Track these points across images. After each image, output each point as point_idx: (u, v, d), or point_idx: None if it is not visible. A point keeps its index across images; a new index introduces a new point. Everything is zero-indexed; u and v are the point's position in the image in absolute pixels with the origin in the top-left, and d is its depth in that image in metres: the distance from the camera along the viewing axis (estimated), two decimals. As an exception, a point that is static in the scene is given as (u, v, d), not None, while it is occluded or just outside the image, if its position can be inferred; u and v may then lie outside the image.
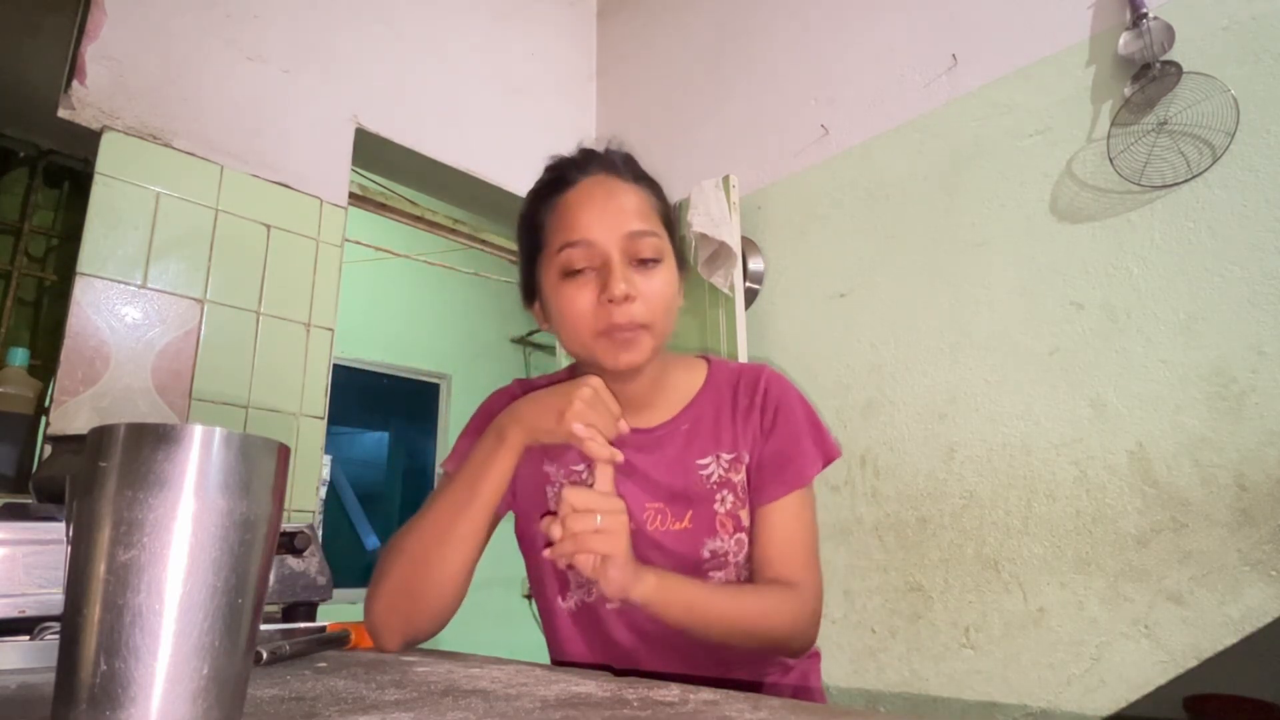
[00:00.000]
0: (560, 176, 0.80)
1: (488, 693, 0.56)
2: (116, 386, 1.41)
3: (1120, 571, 1.27)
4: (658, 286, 0.74)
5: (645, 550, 0.75)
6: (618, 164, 0.80)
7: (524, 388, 0.85)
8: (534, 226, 0.80)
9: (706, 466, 0.78)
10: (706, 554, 0.76)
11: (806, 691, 0.83)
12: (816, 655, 0.87)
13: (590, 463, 0.74)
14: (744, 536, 0.78)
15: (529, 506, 0.82)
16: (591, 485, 0.71)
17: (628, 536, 0.67)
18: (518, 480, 0.80)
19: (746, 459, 0.79)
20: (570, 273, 0.74)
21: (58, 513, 0.95)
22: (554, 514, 0.69)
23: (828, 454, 0.80)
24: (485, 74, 2.30)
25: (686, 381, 0.83)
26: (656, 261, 0.75)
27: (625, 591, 0.66)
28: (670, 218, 0.81)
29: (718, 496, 0.77)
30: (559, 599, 0.81)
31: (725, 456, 0.79)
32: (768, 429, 0.80)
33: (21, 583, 0.83)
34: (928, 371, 1.59)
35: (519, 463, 0.76)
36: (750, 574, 0.79)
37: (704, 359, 0.87)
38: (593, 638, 0.79)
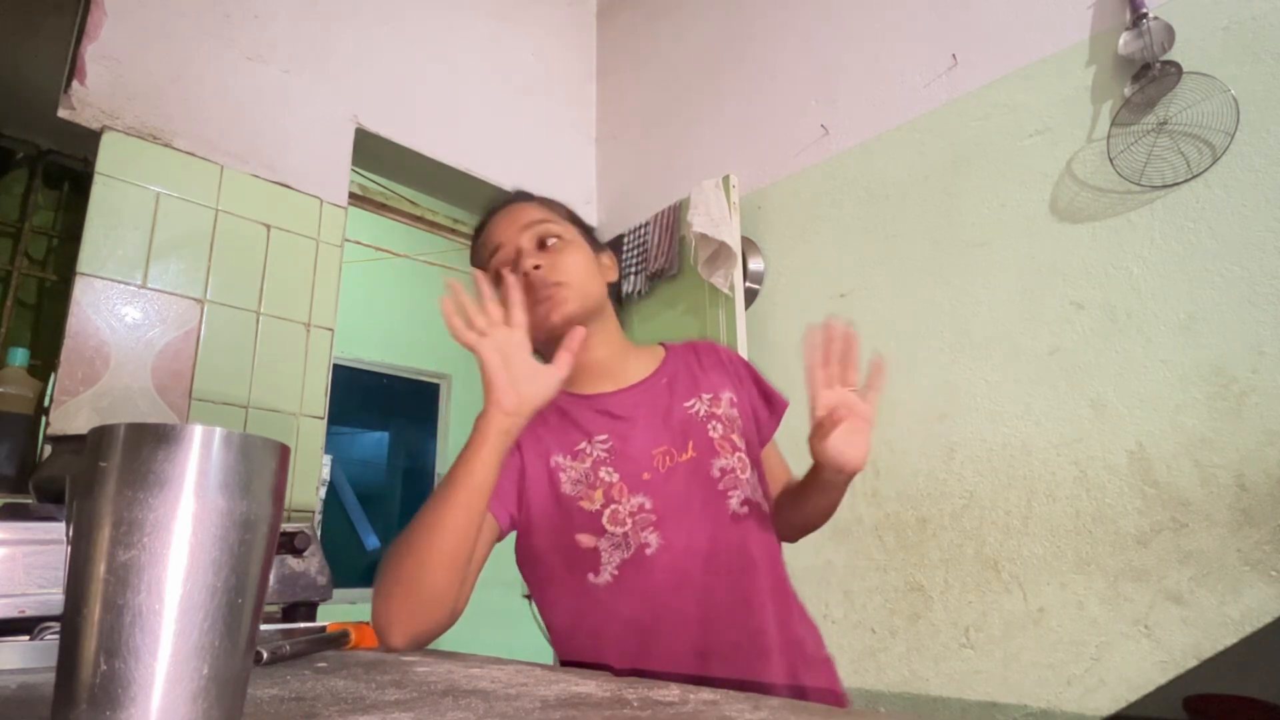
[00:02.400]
0: (482, 222, 0.96)
1: (488, 693, 0.56)
2: (116, 386, 1.41)
3: (1120, 571, 1.27)
4: (563, 259, 0.87)
5: (667, 487, 0.83)
6: (516, 197, 0.97)
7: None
8: (477, 265, 0.94)
9: (692, 406, 0.89)
10: (716, 473, 0.85)
11: (835, 696, 0.87)
12: (832, 661, 0.91)
13: (590, 433, 0.85)
14: (744, 456, 0.87)
15: (542, 508, 0.85)
16: (593, 456, 0.83)
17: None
18: (528, 486, 0.85)
19: (727, 396, 0.91)
20: (500, 277, 0.86)
21: (58, 513, 0.95)
22: (574, 499, 0.81)
23: (783, 397, 0.98)
24: (485, 74, 2.31)
25: (650, 355, 0.96)
26: (559, 239, 0.89)
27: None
28: (574, 217, 0.97)
29: (709, 425, 0.88)
30: (591, 576, 0.83)
31: (705, 396, 0.90)
32: (738, 379, 0.95)
33: (21, 583, 0.83)
34: (928, 371, 1.59)
35: (527, 469, 0.84)
36: (771, 501, 0.92)
37: (660, 345, 0.99)
38: (637, 594, 0.81)
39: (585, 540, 0.82)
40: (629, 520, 0.81)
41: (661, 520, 0.81)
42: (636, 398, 0.89)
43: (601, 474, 0.83)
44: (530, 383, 0.75)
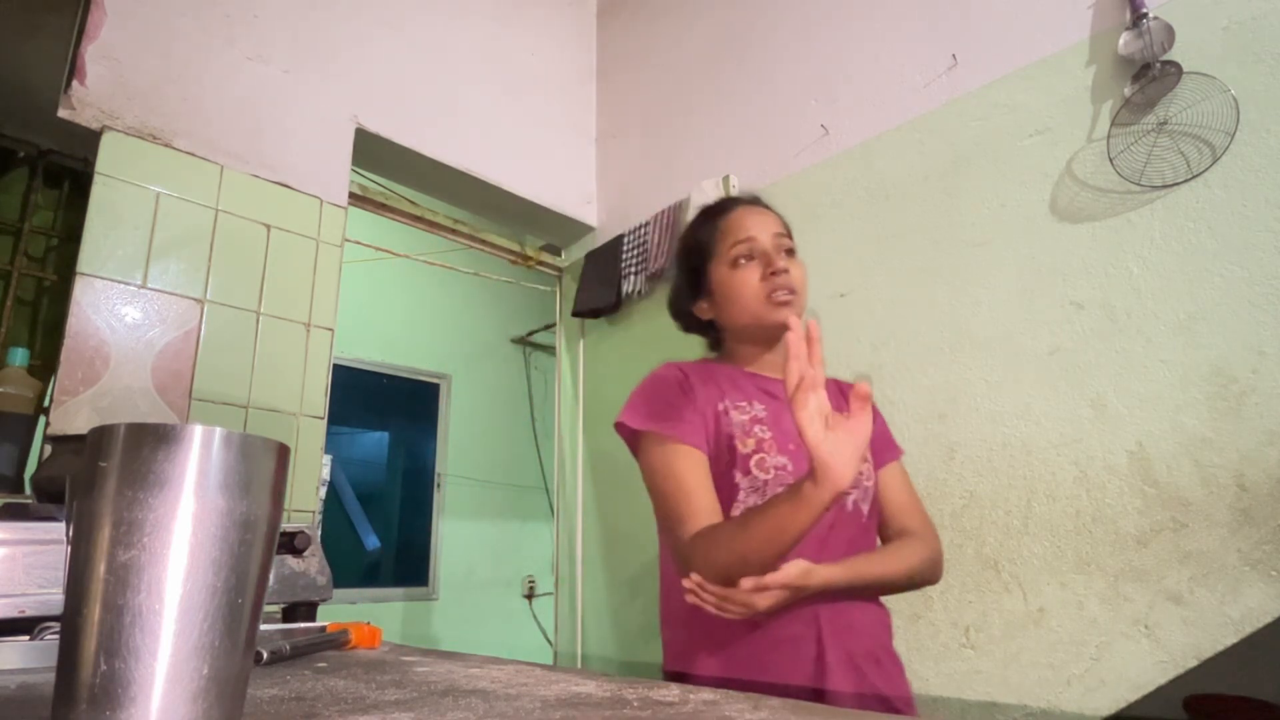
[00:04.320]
0: (719, 208, 1.09)
1: (488, 693, 0.56)
2: (116, 386, 1.41)
3: (1120, 571, 1.27)
4: (799, 272, 1.02)
5: (805, 465, 0.88)
6: (758, 201, 1.10)
7: (678, 369, 1.04)
8: (701, 244, 1.06)
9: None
10: None
11: (908, 703, 0.96)
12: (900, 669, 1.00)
13: (751, 398, 1.00)
14: (869, 469, 1.01)
15: (712, 443, 0.97)
16: (752, 413, 0.98)
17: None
18: (706, 423, 0.98)
19: None
20: (738, 263, 1.01)
21: (58, 513, 0.95)
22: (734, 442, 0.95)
23: (900, 449, 1.11)
24: (485, 74, 2.31)
25: None
26: (793, 253, 1.04)
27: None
28: (791, 234, 1.07)
29: None
30: (731, 510, 0.95)
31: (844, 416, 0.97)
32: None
33: (21, 583, 0.83)
34: (928, 371, 1.59)
35: (703, 408, 0.98)
36: (880, 520, 1.04)
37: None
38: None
39: (735, 477, 0.94)
40: (772, 471, 0.94)
41: None
42: None
43: (756, 429, 0.96)
44: (847, 451, 0.80)
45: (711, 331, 1.10)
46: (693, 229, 1.11)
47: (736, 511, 0.93)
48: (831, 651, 0.90)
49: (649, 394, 1.02)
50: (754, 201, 1.08)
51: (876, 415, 1.05)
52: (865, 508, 1.00)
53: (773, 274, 0.99)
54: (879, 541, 1.05)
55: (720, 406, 0.98)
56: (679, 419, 0.96)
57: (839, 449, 0.79)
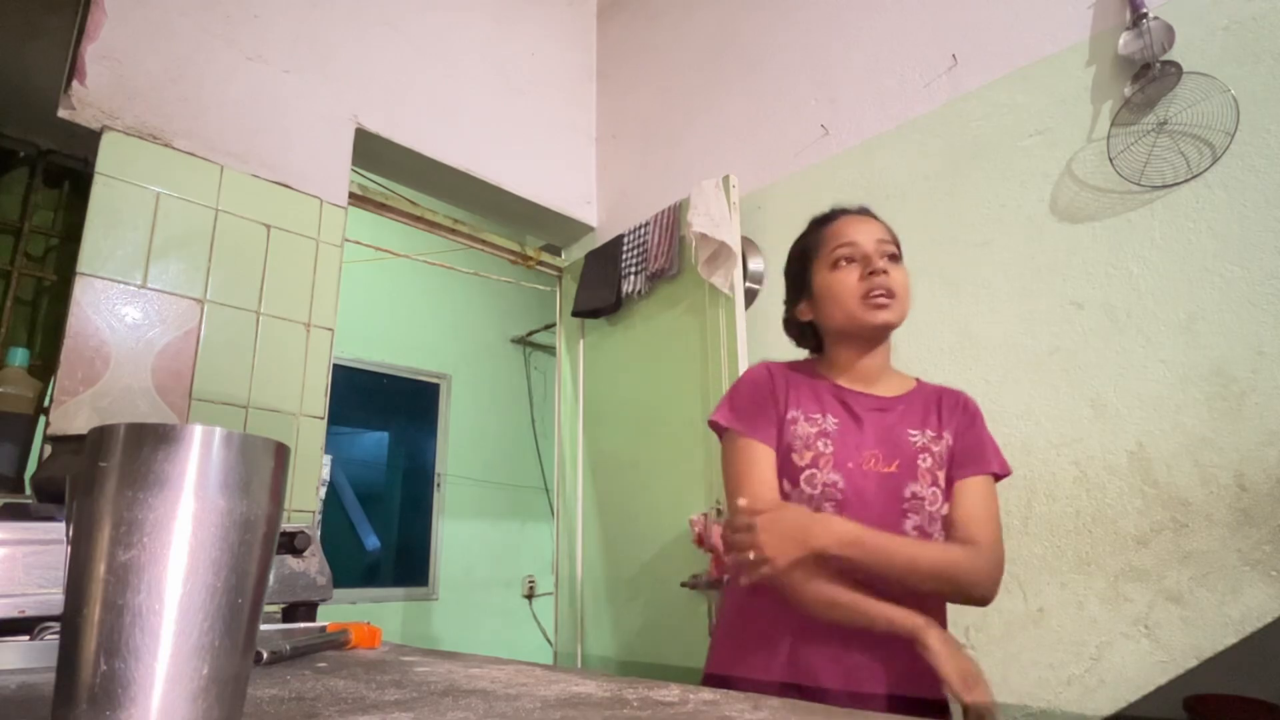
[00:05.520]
0: (826, 216, 1.12)
1: (488, 693, 0.56)
2: (116, 386, 1.41)
3: (1120, 571, 1.27)
4: (899, 275, 1.02)
5: (861, 483, 0.96)
6: (865, 211, 1.12)
7: (769, 369, 1.08)
8: (807, 248, 1.10)
9: (914, 436, 1.00)
10: (908, 494, 0.96)
11: (941, 708, 0.95)
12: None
13: (826, 410, 1.02)
14: (938, 491, 0.98)
15: (779, 452, 1.01)
16: (821, 427, 0.99)
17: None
18: (779, 420, 1.02)
19: (946, 438, 1.02)
20: (838, 265, 1.03)
21: (58, 513, 0.95)
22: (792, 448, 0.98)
23: (1005, 464, 1.04)
24: (485, 74, 2.31)
25: (903, 380, 1.08)
26: (896, 259, 1.04)
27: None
28: (898, 244, 1.07)
29: (920, 456, 0.99)
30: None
31: (929, 433, 1.01)
32: (965, 426, 1.04)
33: (21, 583, 0.83)
34: (928, 371, 1.58)
35: (773, 418, 1.02)
36: (945, 534, 0.99)
37: (915, 379, 1.11)
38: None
39: (784, 485, 0.99)
40: (820, 487, 0.96)
41: (844, 503, 0.95)
42: (874, 406, 1.02)
43: (819, 443, 0.98)
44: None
45: (813, 338, 1.11)
46: (800, 237, 1.15)
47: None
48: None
49: (736, 393, 1.08)
50: (861, 211, 1.11)
51: (982, 426, 1.06)
52: (934, 531, 0.97)
53: (871, 274, 1.00)
54: None
55: (791, 415, 1.02)
56: (755, 418, 1.02)
57: (770, 528, 0.88)
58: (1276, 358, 1.17)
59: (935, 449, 1.00)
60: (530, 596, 3.89)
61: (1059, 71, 1.47)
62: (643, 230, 2.20)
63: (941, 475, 0.98)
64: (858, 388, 1.04)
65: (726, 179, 1.94)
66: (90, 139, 1.48)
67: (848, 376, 1.05)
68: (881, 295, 0.99)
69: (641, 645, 2.09)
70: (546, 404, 4.13)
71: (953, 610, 1.45)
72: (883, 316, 0.99)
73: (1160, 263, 1.30)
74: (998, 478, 1.03)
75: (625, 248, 2.25)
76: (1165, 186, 1.30)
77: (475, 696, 0.54)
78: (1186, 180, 1.28)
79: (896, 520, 0.95)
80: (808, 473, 0.97)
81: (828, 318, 1.04)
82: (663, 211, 2.15)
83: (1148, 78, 1.31)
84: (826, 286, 1.04)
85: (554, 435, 2.58)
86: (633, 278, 2.20)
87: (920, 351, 1.60)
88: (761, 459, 0.99)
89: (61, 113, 1.45)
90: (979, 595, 0.96)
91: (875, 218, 1.09)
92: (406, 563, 3.75)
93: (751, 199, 2.01)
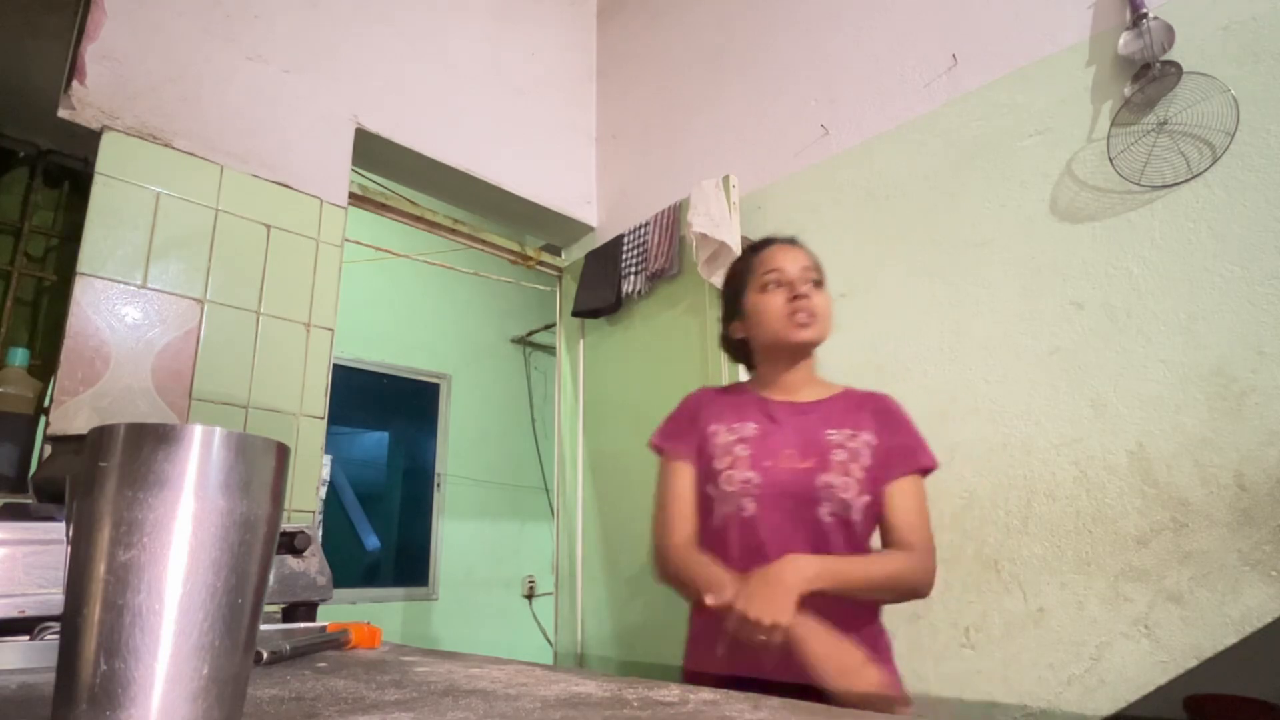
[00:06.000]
0: (758, 244, 1.22)
1: (488, 693, 0.56)
2: (116, 386, 1.41)
3: (1120, 571, 1.27)
4: (821, 298, 1.13)
5: (777, 477, 1.06)
6: (793, 241, 1.21)
7: (700, 393, 1.22)
8: (740, 273, 1.20)
9: (831, 434, 1.09)
10: (820, 484, 1.05)
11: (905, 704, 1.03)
12: (892, 654, 1.09)
13: (747, 419, 1.13)
14: (850, 480, 1.05)
15: (699, 461, 1.14)
16: (740, 434, 1.10)
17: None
18: (698, 447, 1.15)
19: (866, 437, 1.09)
20: (767, 289, 1.13)
21: (58, 513, 0.95)
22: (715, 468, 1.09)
23: (932, 458, 1.12)
24: (485, 74, 2.30)
25: (828, 387, 1.18)
26: (819, 284, 1.15)
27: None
28: (821, 271, 1.17)
29: (833, 451, 1.07)
30: (709, 518, 1.12)
31: (846, 431, 1.10)
32: (888, 427, 1.11)
33: (21, 583, 0.83)
34: (928, 371, 1.59)
35: (694, 437, 1.15)
36: (883, 536, 1.08)
37: (843, 387, 1.20)
38: (735, 544, 1.07)
39: (709, 489, 1.10)
40: (737, 485, 1.07)
41: (760, 498, 1.05)
42: (794, 411, 1.13)
43: (737, 448, 1.10)
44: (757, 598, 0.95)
45: (746, 354, 1.23)
46: (734, 262, 1.27)
47: (715, 516, 1.09)
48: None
49: (671, 416, 1.22)
50: (789, 241, 1.21)
51: (907, 426, 1.13)
52: (854, 517, 1.04)
53: (795, 298, 1.11)
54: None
55: (712, 429, 1.14)
56: (678, 439, 1.16)
57: (751, 596, 0.93)
58: (1276, 358, 1.17)
59: (851, 445, 1.08)
60: (530, 596, 3.89)
61: (1059, 71, 1.47)
62: (643, 230, 2.20)
63: (856, 467, 1.06)
64: (781, 397, 1.15)
65: (726, 179, 1.94)
66: (90, 139, 1.48)
67: (773, 388, 1.16)
68: (804, 316, 1.10)
69: (641, 645, 2.09)
70: (546, 404, 4.13)
71: (953, 610, 1.46)
72: (805, 335, 1.11)
73: (1160, 263, 1.30)
74: (926, 472, 1.11)
75: (625, 248, 2.25)
76: (1165, 186, 1.30)
77: (475, 696, 0.54)
78: (1186, 180, 1.28)
79: (811, 508, 1.04)
80: (726, 474, 1.08)
81: (757, 336, 1.16)
82: (663, 211, 2.15)
83: (1148, 78, 1.31)
84: (756, 308, 1.15)
85: (554, 435, 2.58)
86: (633, 278, 2.20)
87: (920, 351, 1.60)
88: (681, 478, 1.14)
89: (61, 113, 1.45)
90: (920, 595, 1.05)
91: (802, 247, 1.20)
92: (406, 563, 3.75)
93: (751, 199, 2.01)
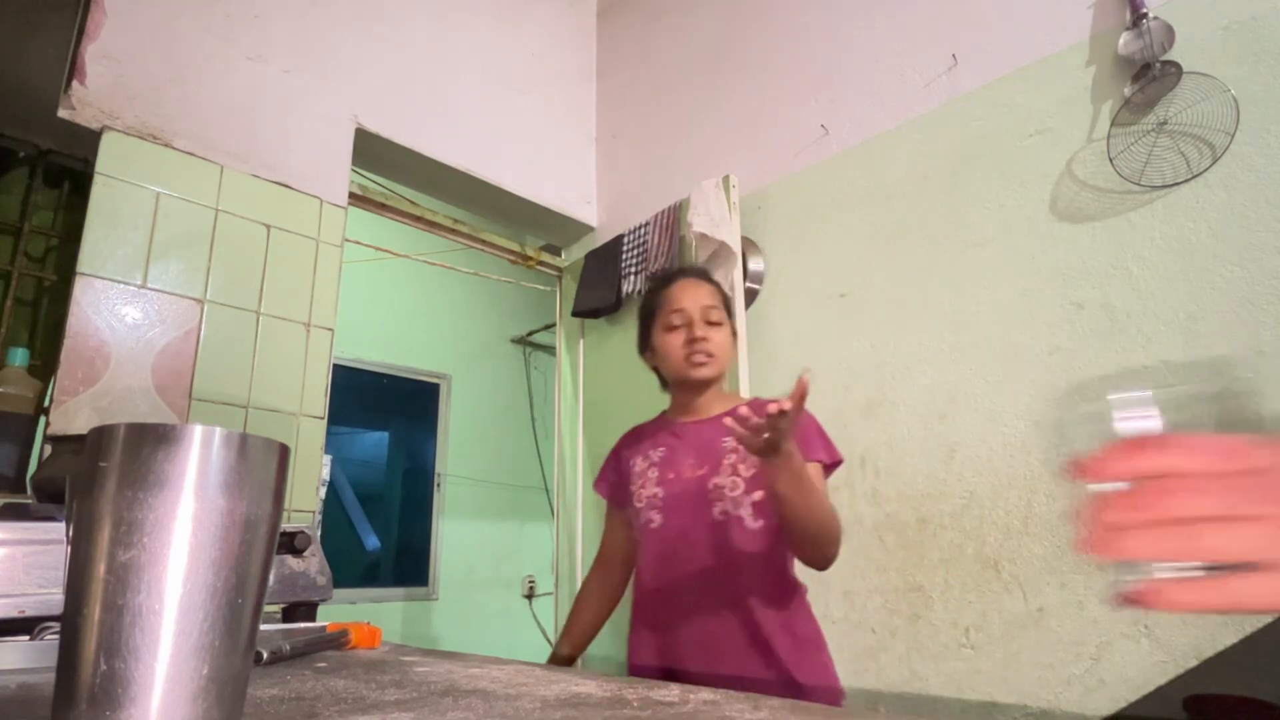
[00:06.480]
0: (666, 279, 1.30)
1: (488, 693, 0.56)
2: (116, 386, 1.41)
3: (1120, 571, 1.26)
4: (719, 337, 1.22)
5: (678, 487, 1.18)
6: (699, 274, 1.31)
7: (625, 436, 1.34)
8: (651, 306, 1.29)
9: (726, 442, 1.16)
10: (711, 486, 1.15)
11: (831, 693, 1.11)
12: (822, 665, 1.13)
13: (659, 445, 1.25)
14: (738, 480, 1.13)
15: (624, 490, 1.27)
16: (653, 459, 1.22)
17: None
18: (619, 477, 1.30)
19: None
20: (671, 328, 1.22)
21: (58, 513, 0.95)
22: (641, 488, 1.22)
23: (834, 453, 1.17)
24: (485, 74, 2.30)
25: (730, 402, 1.25)
26: (719, 325, 1.22)
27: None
28: (728, 302, 1.27)
29: (726, 456, 1.16)
30: (636, 534, 1.25)
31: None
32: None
33: (21, 583, 0.83)
34: (928, 371, 1.59)
35: (616, 476, 1.31)
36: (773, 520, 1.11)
37: (748, 399, 1.27)
38: (650, 555, 1.19)
39: (630, 513, 1.24)
40: (645, 500, 1.20)
41: (664, 508, 1.18)
42: (698, 428, 1.23)
43: (649, 472, 1.22)
44: None
45: (663, 380, 1.32)
46: (646, 294, 1.35)
47: (636, 532, 1.23)
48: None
49: (604, 462, 1.35)
50: (696, 274, 1.30)
51: (801, 424, 1.12)
52: (743, 514, 1.11)
53: (692, 340, 1.19)
54: (787, 551, 1.14)
55: (632, 463, 1.26)
56: (604, 481, 1.33)
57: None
58: (1276, 358, 1.17)
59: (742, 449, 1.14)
60: (530, 596, 3.89)
61: (1059, 71, 1.47)
62: (643, 230, 2.20)
63: (744, 467, 1.13)
64: (688, 419, 1.25)
65: (726, 179, 1.94)
66: (90, 139, 1.48)
67: (684, 412, 1.27)
68: (701, 356, 1.18)
69: (641, 645, 2.08)
70: (546, 404, 4.13)
71: (953, 610, 1.46)
72: (702, 373, 1.20)
73: (1160, 263, 1.30)
74: (827, 468, 1.15)
75: (625, 248, 2.25)
76: (1165, 186, 1.30)
77: (475, 696, 0.54)
78: (1186, 180, 1.28)
79: (706, 508, 1.13)
80: (637, 493, 1.21)
81: (663, 370, 1.27)
82: (663, 211, 2.15)
83: (1148, 78, 1.31)
84: (660, 345, 1.24)
85: (554, 435, 2.58)
86: (633, 278, 2.20)
87: (920, 351, 1.60)
88: (608, 516, 1.34)
89: (61, 113, 1.45)
90: (834, 553, 1.09)
91: (708, 280, 1.28)
92: (406, 563, 3.76)
93: (751, 199, 2.01)
